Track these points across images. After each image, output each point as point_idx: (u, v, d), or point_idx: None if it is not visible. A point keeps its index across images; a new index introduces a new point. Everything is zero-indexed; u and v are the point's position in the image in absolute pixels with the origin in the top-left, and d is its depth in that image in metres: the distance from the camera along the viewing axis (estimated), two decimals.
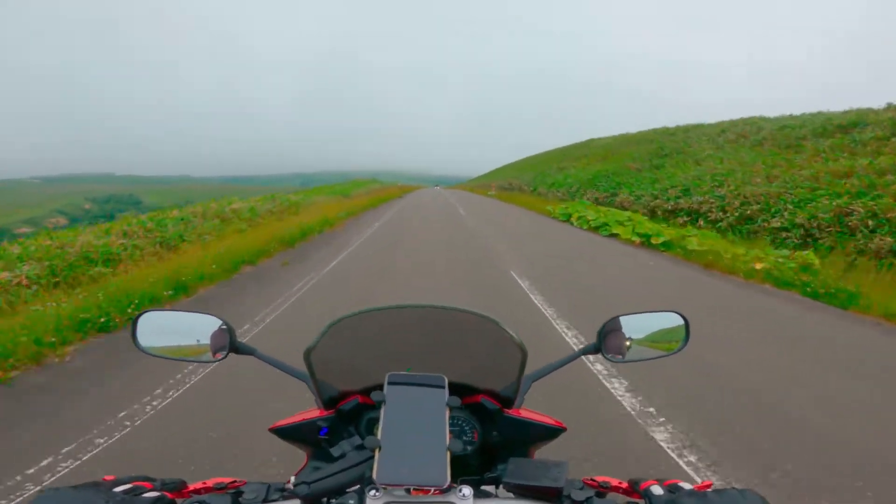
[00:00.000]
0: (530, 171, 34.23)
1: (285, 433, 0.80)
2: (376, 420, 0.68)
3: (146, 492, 0.54)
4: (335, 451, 0.68)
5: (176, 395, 3.13)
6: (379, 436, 0.57)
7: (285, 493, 0.61)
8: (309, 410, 0.81)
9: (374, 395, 0.62)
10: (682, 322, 0.93)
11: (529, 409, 0.83)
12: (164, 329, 0.89)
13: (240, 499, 0.59)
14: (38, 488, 2.18)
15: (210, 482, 0.62)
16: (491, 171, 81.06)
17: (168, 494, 0.56)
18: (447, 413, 0.61)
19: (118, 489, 0.53)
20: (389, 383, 0.63)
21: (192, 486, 0.62)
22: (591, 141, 32.59)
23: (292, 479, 0.68)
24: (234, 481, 0.62)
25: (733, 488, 0.52)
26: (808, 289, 6.07)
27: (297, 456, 0.83)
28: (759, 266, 6.98)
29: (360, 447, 0.66)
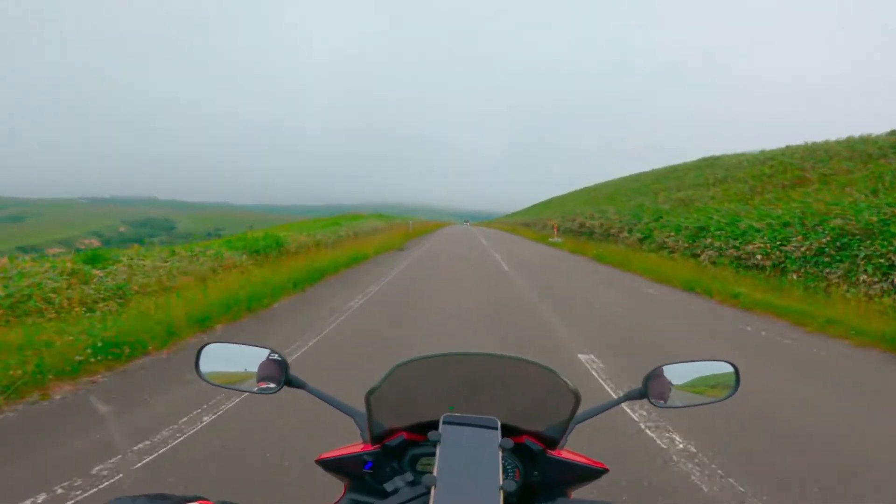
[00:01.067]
0: (608, 205, 22.36)
1: (330, 465, 0.80)
2: (419, 456, 0.75)
3: None
4: (388, 487, 0.69)
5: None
6: (434, 473, 0.59)
7: None
8: (353, 444, 0.83)
9: (431, 435, 0.65)
10: (731, 370, 0.92)
11: (571, 451, 0.83)
12: (224, 360, 0.96)
13: None
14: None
15: None
16: (532, 205, 68.46)
17: None
18: (500, 454, 0.63)
19: None
20: (444, 423, 0.67)
21: None
22: (717, 159, 20.73)
23: None
24: None
25: None
26: None
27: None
28: None
29: (413, 483, 0.68)
